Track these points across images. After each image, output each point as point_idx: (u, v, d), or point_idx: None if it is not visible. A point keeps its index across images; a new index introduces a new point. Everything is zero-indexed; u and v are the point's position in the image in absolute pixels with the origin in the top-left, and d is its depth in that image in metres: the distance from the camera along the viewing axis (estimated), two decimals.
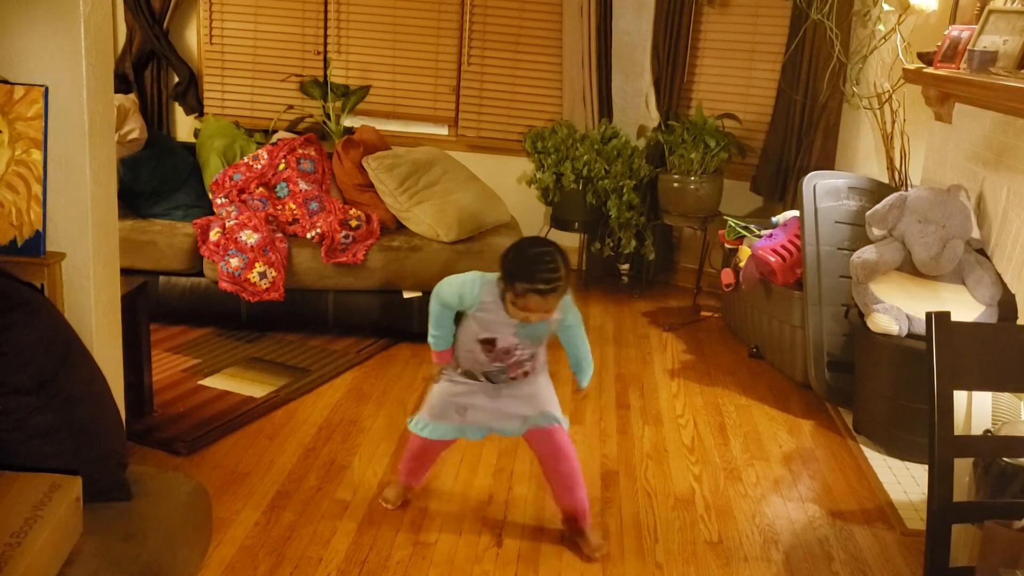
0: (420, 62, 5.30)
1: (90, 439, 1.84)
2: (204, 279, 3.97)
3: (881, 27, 4.25)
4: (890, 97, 4.01)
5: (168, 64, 5.31)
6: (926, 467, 1.76)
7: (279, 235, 4.00)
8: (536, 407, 2.58)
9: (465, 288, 2.47)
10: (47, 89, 2.07)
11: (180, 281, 3.99)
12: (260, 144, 4.58)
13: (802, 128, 4.82)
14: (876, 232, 3.50)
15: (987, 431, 2.50)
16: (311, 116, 5.29)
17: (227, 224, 3.96)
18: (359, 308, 4.04)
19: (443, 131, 5.44)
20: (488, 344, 2.48)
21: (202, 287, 3.98)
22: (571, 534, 2.66)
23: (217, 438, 3.10)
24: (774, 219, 4.24)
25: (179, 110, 5.45)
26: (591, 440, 3.32)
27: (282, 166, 4.27)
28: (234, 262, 3.83)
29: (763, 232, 4.20)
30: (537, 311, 2.36)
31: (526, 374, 2.56)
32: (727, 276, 4.33)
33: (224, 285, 3.84)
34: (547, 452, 2.61)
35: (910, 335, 3.25)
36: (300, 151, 4.35)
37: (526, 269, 2.33)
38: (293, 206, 4.12)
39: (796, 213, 4.05)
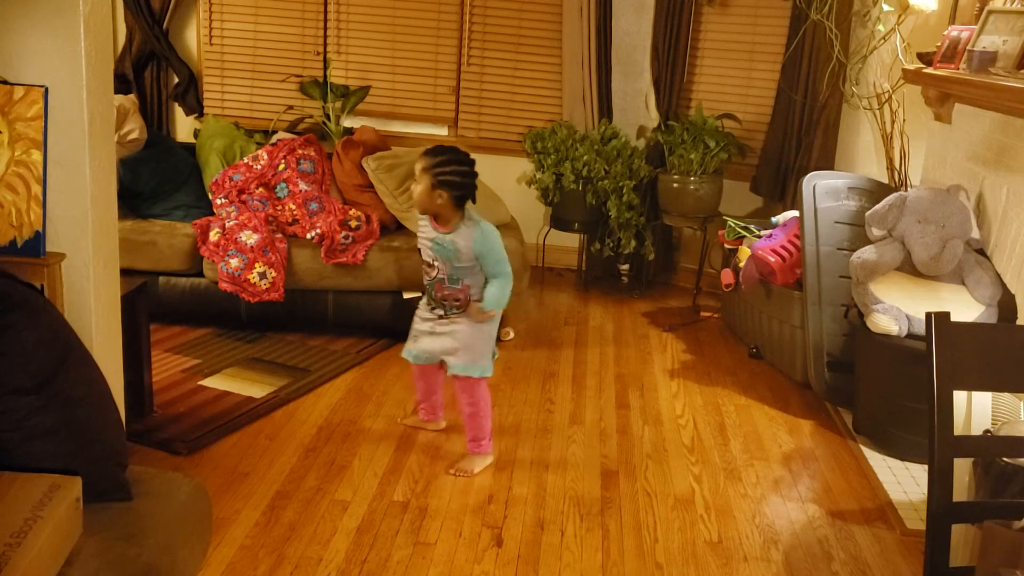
0: (420, 62, 5.30)
1: (90, 439, 1.84)
2: (204, 279, 3.97)
3: (881, 27, 4.26)
4: (890, 97, 4.01)
5: (168, 64, 5.31)
6: (926, 467, 1.76)
7: (279, 235, 4.00)
8: (453, 353, 2.97)
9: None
10: (47, 89, 2.07)
11: (180, 281, 3.99)
12: (260, 144, 4.58)
13: (802, 128, 4.82)
14: (876, 232, 3.50)
15: (987, 431, 2.50)
16: (311, 117, 5.29)
17: (227, 224, 3.96)
18: (359, 308, 4.04)
19: (443, 131, 5.45)
20: (424, 264, 2.97)
21: (202, 287, 3.98)
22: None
23: (217, 438, 3.10)
24: (774, 219, 4.24)
25: (179, 110, 5.45)
26: (591, 440, 3.32)
27: (282, 167, 4.27)
28: (234, 262, 3.83)
29: (763, 232, 4.20)
30: (415, 176, 2.84)
31: (457, 301, 2.92)
32: (727, 276, 4.33)
33: (224, 285, 3.84)
34: (455, 392, 3.08)
35: (910, 335, 3.25)
36: (300, 152, 4.36)
37: None
38: (293, 206, 4.13)
39: (796, 213, 4.05)
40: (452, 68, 5.29)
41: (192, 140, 4.73)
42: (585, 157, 4.80)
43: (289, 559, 2.48)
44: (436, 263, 2.91)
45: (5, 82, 2.07)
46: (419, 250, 2.99)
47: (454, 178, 2.80)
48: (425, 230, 2.93)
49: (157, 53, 5.24)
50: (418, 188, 2.83)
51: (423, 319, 3.05)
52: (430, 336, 3.02)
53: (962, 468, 2.23)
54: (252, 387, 3.51)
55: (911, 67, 3.69)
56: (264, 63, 5.36)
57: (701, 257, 5.00)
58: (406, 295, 4.03)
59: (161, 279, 3.97)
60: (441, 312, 2.98)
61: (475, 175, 2.86)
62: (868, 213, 3.53)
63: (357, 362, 3.84)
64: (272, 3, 5.26)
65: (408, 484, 2.92)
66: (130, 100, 4.37)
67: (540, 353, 4.13)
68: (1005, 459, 2.20)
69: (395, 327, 4.07)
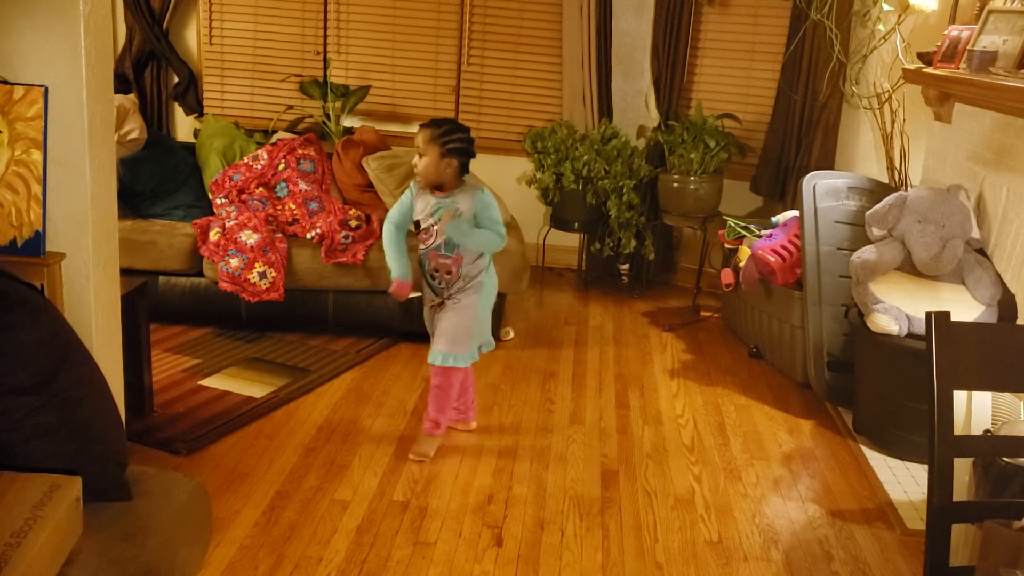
0: (420, 62, 5.30)
1: (90, 439, 1.84)
2: (204, 279, 3.97)
3: (881, 27, 4.26)
4: (890, 97, 4.01)
5: (168, 64, 5.31)
6: (926, 467, 1.76)
7: (279, 235, 4.00)
8: (437, 339, 3.03)
9: (402, 196, 3.06)
10: (47, 89, 2.07)
11: (180, 281, 3.99)
12: (260, 144, 4.58)
13: (802, 128, 4.82)
14: (876, 232, 3.50)
15: (987, 431, 2.50)
16: (311, 116, 5.29)
17: (227, 224, 3.96)
18: (359, 308, 4.04)
19: None
20: (421, 232, 3.00)
21: (202, 287, 3.98)
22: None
23: (217, 438, 3.10)
24: (774, 219, 4.24)
25: (179, 110, 5.45)
26: (591, 440, 3.32)
27: (282, 166, 4.27)
28: (234, 262, 3.83)
29: (763, 232, 4.20)
30: (418, 149, 2.92)
31: (449, 275, 2.98)
32: (727, 276, 4.33)
33: (224, 285, 3.84)
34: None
35: (910, 335, 3.25)
36: (300, 151, 4.36)
37: None
38: (293, 206, 4.13)
39: (796, 213, 4.05)
40: (452, 68, 5.29)
41: (192, 140, 4.73)
42: (585, 157, 4.80)
43: (289, 559, 2.48)
44: (436, 227, 2.96)
45: (5, 82, 2.07)
46: (415, 224, 3.02)
47: (461, 144, 2.92)
48: (424, 200, 2.99)
49: (157, 53, 5.24)
50: (424, 160, 2.91)
51: (427, 316, 3.11)
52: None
53: (962, 468, 2.23)
54: (252, 387, 3.51)
55: (911, 67, 3.69)
56: (264, 63, 5.36)
57: (701, 257, 5.00)
58: None
59: (161, 279, 3.97)
60: (432, 295, 3.04)
61: (473, 141, 3.00)
62: (868, 213, 3.53)
63: (357, 362, 3.84)
64: (272, 3, 5.26)
65: (408, 484, 2.92)
66: (130, 100, 4.37)
67: (540, 353, 4.13)
68: (1005, 459, 2.20)
69: (395, 327, 4.08)
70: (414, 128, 5.37)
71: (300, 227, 4.08)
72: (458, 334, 3.01)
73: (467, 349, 3.04)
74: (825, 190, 3.82)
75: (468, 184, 2.99)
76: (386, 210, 4.27)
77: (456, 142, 2.91)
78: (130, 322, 2.78)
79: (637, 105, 5.13)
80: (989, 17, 3.31)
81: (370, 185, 4.32)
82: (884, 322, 3.25)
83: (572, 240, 5.34)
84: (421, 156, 2.92)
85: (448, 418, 3.17)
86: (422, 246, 3.02)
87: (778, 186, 4.94)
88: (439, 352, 3.01)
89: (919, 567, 2.66)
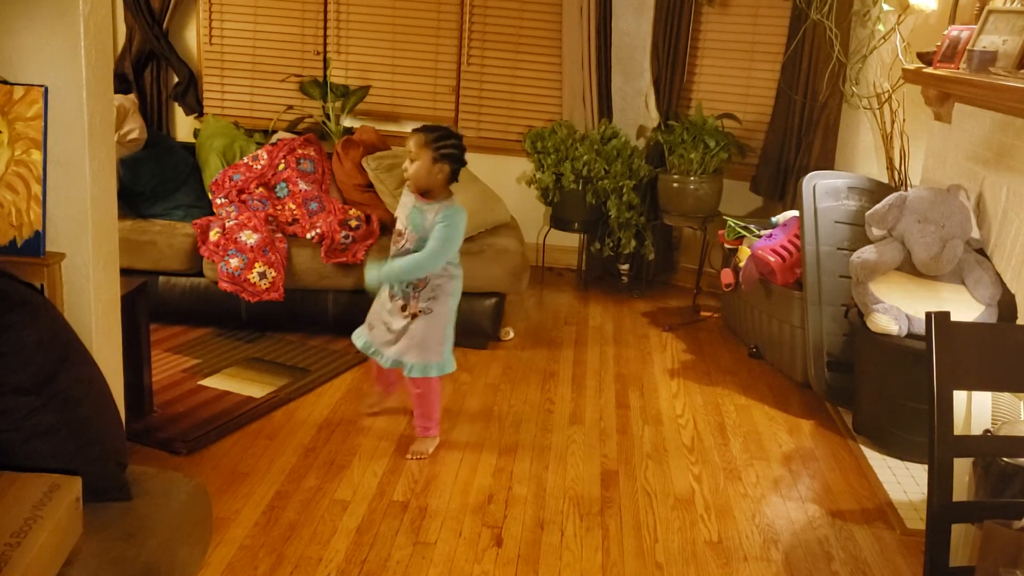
0: (420, 62, 5.30)
1: (90, 439, 1.84)
2: (204, 279, 3.97)
3: (881, 27, 4.26)
4: (890, 97, 4.01)
5: (168, 64, 5.31)
6: (926, 467, 1.76)
7: (279, 235, 4.00)
8: (406, 352, 3.03)
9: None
10: (47, 89, 2.07)
11: (180, 281, 3.99)
12: (260, 144, 4.58)
13: (802, 128, 4.82)
14: (876, 232, 3.50)
15: (987, 431, 2.50)
16: (311, 116, 5.29)
17: (227, 224, 3.96)
18: (359, 308, 4.02)
19: None
20: (395, 232, 3.01)
21: (202, 287, 3.98)
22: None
23: (217, 438, 3.10)
24: (774, 219, 4.24)
25: (179, 110, 5.44)
26: (591, 440, 3.32)
27: (282, 166, 4.27)
28: (234, 262, 3.83)
29: (763, 232, 4.20)
30: (409, 154, 2.91)
31: (417, 281, 2.97)
32: (727, 276, 4.33)
33: (224, 285, 3.84)
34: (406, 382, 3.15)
35: (910, 335, 3.25)
36: (300, 151, 4.35)
37: None
38: (293, 206, 4.13)
39: (796, 213, 4.05)
40: (452, 68, 5.29)
41: (192, 140, 4.73)
42: (585, 157, 4.80)
43: (289, 559, 2.48)
44: (406, 231, 2.97)
45: (5, 82, 2.07)
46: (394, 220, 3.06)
47: (454, 151, 2.92)
48: (407, 198, 3.01)
49: (157, 53, 5.24)
50: (416, 164, 2.91)
51: (383, 308, 3.09)
52: (386, 330, 3.06)
53: (962, 468, 2.23)
54: (252, 387, 3.51)
55: (911, 67, 3.69)
56: (264, 63, 5.36)
57: (701, 257, 5.00)
58: None
59: (161, 279, 3.97)
60: (399, 295, 3.02)
61: (465, 149, 3.00)
62: (868, 213, 3.53)
63: (357, 362, 3.84)
64: (272, 3, 5.26)
65: (408, 484, 2.92)
66: (130, 100, 4.37)
67: (540, 353, 4.13)
68: (1005, 459, 2.20)
69: None
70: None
71: (300, 227, 4.08)
72: (431, 342, 3.03)
73: (443, 355, 3.06)
74: (825, 190, 3.82)
75: (452, 200, 2.97)
76: (386, 210, 4.28)
77: (448, 148, 2.91)
78: (130, 322, 2.78)
79: (637, 105, 5.13)
80: (989, 17, 3.31)
81: (370, 185, 4.32)
82: (884, 322, 3.25)
83: (572, 240, 5.34)
84: (412, 160, 2.92)
85: (438, 418, 3.18)
86: (394, 247, 3.02)
87: (778, 186, 4.94)
88: (417, 365, 3.03)
89: (919, 567, 2.66)
